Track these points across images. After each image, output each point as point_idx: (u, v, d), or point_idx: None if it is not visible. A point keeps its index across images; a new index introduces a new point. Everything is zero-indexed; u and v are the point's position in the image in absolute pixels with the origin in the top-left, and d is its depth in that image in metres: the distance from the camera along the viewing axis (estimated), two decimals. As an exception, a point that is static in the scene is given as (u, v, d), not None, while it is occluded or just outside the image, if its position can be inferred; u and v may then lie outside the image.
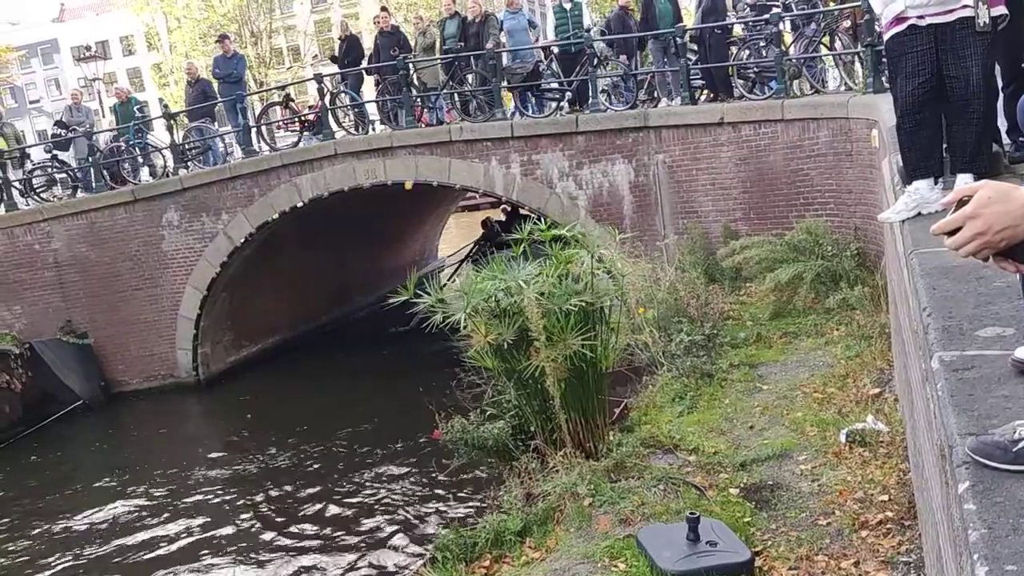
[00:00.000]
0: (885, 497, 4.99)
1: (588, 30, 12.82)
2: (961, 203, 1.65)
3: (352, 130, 14.70)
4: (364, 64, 15.43)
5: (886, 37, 4.79)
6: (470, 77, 13.95)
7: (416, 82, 14.25)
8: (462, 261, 19.32)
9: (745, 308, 9.68)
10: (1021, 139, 5.23)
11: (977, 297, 2.96)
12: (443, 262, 22.18)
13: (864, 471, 5.38)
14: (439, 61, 14.19)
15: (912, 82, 4.62)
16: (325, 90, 14.81)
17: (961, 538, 1.77)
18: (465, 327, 6.25)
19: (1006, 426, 1.95)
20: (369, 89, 16.65)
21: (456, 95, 14.10)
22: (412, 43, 15.03)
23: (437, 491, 9.23)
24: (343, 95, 15.19)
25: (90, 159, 15.64)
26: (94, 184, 15.49)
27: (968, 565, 1.66)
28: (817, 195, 10.75)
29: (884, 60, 10.01)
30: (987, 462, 1.90)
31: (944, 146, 4.92)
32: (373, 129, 15.06)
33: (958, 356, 2.51)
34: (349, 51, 15.71)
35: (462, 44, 13.71)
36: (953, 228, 1.64)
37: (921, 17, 4.53)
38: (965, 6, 4.48)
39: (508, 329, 6.19)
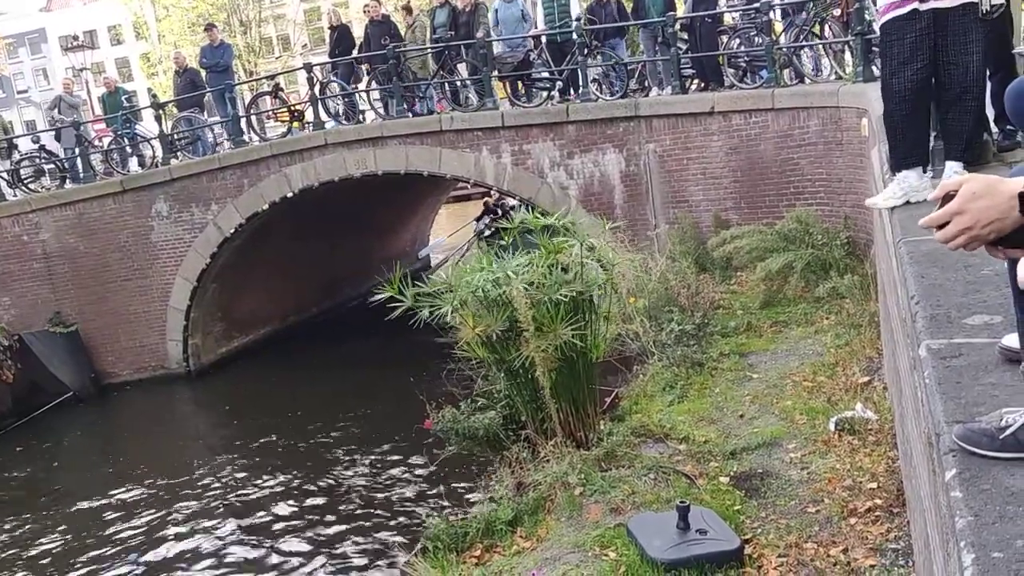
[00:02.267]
0: (874, 485, 5.01)
1: (577, 19, 12.77)
2: (948, 197, 1.65)
3: (343, 120, 14.63)
4: (355, 54, 15.37)
5: (882, 21, 4.65)
6: (461, 66, 13.90)
7: (407, 71, 14.19)
8: (472, 239, 19.29)
9: (736, 297, 9.69)
10: (1009, 128, 5.23)
11: (965, 285, 2.97)
12: (436, 247, 22.07)
13: (853, 459, 5.41)
14: (429, 51, 14.13)
15: (909, 67, 4.49)
16: (315, 80, 14.73)
17: (948, 525, 1.77)
18: (453, 320, 6.25)
19: (993, 413, 1.96)
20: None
21: (446, 84, 14.05)
22: (402, 32, 14.95)
23: (428, 481, 9.23)
24: (333, 84, 15.11)
25: (78, 149, 15.53)
26: (82, 174, 15.40)
27: (955, 552, 1.66)
28: (807, 184, 10.76)
29: (875, 48, 10.04)
30: (974, 449, 1.91)
31: (934, 134, 4.89)
32: (363, 119, 15.00)
33: (946, 344, 2.51)
34: (340, 41, 15.64)
35: (452, 33, 13.65)
36: (941, 223, 1.65)
37: (924, 0, 4.45)
38: None
39: (497, 320, 6.19)
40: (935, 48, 4.47)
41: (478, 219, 20.07)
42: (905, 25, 4.48)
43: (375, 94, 14.64)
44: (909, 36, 4.47)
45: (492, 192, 17.13)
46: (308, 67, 15.00)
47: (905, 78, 4.54)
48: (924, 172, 4.65)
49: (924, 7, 4.43)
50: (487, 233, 17.87)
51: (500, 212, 18.57)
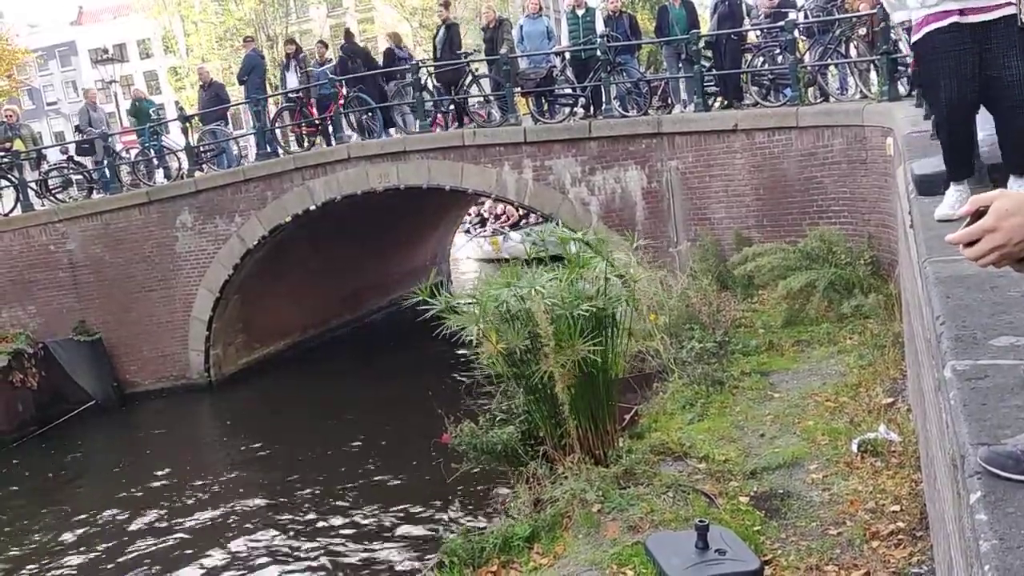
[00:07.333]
0: (897, 507, 4.95)
1: (601, 36, 12.82)
2: (978, 214, 1.63)
3: (362, 135, 14.73)
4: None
5: (920, 35, 4.48)
6: (484, 82, 13.96)
7: (430, 87, 14.30)
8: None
9: (757, 315, 9.62)
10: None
11: (992, 306, 2.93)
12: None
13: (876, 481, 5.34)
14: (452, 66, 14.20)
15: (955, 81, 4.36)
16: (340, 94, 14.85)
17: (972, 549, 1.74)
18: (476, 336, 6.25)
19: (1019, 436, 1.93)
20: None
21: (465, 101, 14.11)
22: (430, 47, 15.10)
23: (445, 495, 9.20)
24: (356, 99, 15.21)
25: (105, 161, 15.73)
26: (109, 185, 15.59)
27: (979, 576, 1.64)
28: (831, 203, 10.70)
29: (900, 68, 9.99)
30: (999, 472, 1.88)
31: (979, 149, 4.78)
32: (391, 133, 15.10)
33: (971, 365, 2.48)
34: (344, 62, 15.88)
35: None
36: (971, 240, 1.63)
37: (963, 13, 4.28)
38: (1010, 3, 4.31)
39: (518, 336, 6.18)
40: (981, 63, 4.34)
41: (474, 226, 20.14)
42: (948, 38, 4.35)
43: (396, 110, 14.74)
44: (953, 49, 4.34)
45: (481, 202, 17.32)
46: (332, 82, 15.11)
47: (952, 91, 4.39)
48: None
49: (965, 20, 4.31)
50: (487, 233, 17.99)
51: (493, 219, 18.71)
